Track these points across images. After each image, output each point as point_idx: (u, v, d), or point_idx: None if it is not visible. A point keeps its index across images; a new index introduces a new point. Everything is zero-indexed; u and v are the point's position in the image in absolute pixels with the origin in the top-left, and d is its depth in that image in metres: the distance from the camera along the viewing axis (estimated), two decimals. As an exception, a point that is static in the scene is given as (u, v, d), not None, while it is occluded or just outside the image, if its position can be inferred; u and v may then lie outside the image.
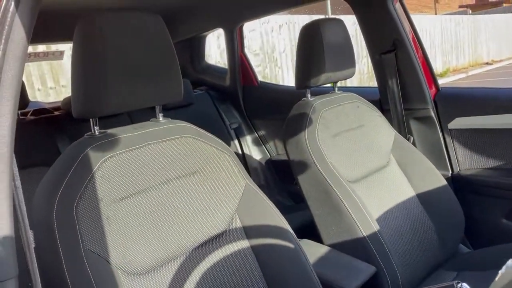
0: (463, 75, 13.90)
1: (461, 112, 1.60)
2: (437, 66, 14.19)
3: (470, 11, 22.82)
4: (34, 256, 0.64)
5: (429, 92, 1.65)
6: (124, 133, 0.93)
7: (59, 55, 2.06)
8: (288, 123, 1.38)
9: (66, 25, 1.62)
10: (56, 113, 1.92)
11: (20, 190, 0.63)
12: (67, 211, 0.78)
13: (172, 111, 2.07)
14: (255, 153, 2.21)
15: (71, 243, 0.77)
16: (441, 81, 12.66)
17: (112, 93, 0.85)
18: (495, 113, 1.50)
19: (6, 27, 0.62)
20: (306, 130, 1.32)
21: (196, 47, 2.34)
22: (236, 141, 2.19)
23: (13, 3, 0.64)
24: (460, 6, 26.86)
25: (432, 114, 1.64)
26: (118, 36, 0.84)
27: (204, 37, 2.31)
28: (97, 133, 0.91)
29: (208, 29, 2.16)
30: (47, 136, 1.68)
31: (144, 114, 1.19)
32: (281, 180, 2.15)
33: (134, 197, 0.88)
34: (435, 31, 14.20)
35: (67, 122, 1.74)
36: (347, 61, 1.47)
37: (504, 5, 25.41)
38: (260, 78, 2.19)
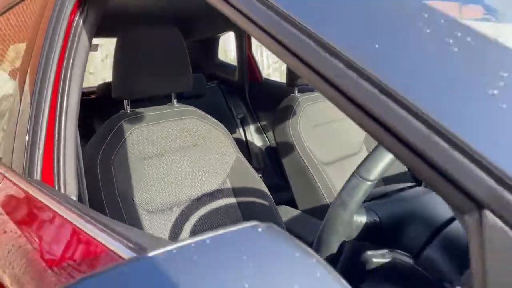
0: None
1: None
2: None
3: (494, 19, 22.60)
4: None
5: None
6: (148, 112, 1.28)
7: (95, 48, 2.43)
8: (277, 114, 1.72)
9: (103, 24, 1.98)
10: (92, 96, 2.29)
11: (80, 151, 0.97)
12: (107, 163, 1.13)
13: (189, 100, 2.41)
14: (257, 141, 2.54)
15: (109, 186, 1.12)
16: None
17: (141, 82, 1.19)
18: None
19: (76, 38, 0.97)
20: (290, 120, 1.65)
21: (210, 46, 2.69)
22: (241, 129, 2.53)
23: (81, 21, 0.99)
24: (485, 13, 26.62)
25: None
26: (147, 45, 1.19)
27: (218, 38, 2.65)
28: (128, 111, 1.26)
29: (221, 32, 2.50)
30: (85, 115, 2.04)
31: (163, 101, 1.54)
32: (278, 165, 2.48)
33: (153, 158, 1.22)
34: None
35: (100, 104, 2.11)
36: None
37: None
38: (277, 73, 2.51)
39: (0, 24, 1.37)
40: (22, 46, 1.16)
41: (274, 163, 2.54)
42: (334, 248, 0.69)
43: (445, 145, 0.32)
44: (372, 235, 0.74)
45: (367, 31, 0.41)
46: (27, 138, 0.89)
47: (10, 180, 0.91)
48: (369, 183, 0.65)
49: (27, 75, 0.97)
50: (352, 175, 0.67)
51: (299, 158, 1.60)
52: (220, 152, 1.36)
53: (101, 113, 2.01)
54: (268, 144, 2.57)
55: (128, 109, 1.26)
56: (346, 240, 0.71)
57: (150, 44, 1.23)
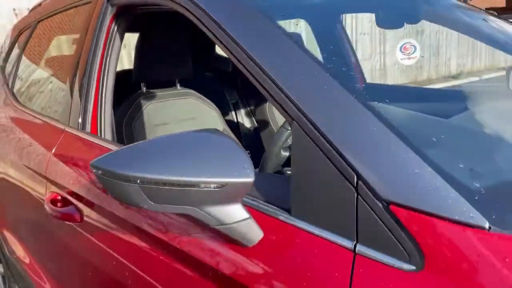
0: (476, 78, 14.35)
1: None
2: (451, 68, 14.64)
3: (497, 15, 22.86)
4: None
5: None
6: (158, 92, 1.75)
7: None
8: (258, 98, 2.18)
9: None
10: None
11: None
12: (130, 126, 1.61)
13: (191, 86, 2.89)
14: (246, 122, 3.01)
15: (131, 142, 1.60)
16: (455, 82, 13.17)
17: (155, 70, 1.67)
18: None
19: (113, 39, 1.43)
20: (267, 103, 2.12)
21: (209, 42, 3.16)
22: (233, 112, 2.99)
23: (115, 28, 1.45)
24: (487, 9, 26.88)
25: None
26: (159, 42, 1.67)
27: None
28: (144, 91, 1.73)
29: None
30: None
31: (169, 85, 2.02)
32: (262, 143, 2.96)
33: (161, 126, 1.70)
34: (452, 33, 14.61)
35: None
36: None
37: (530, 11, 25.26)
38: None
39: (51, 22, 1.85)
40: (69, 41, 1.64)
41: (260, 142, 3.02)
42: (270, 169, 1.16)
43: (282, 96, 0.78)
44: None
45: (263, 47, 0.88)
46: (81, 104, 1.37)
47: (70, 133, 1.39)
48: (289, 131, 1.12)
49: (80, 63, 1.44)
50: (280, 127, 1.14)
51: (273, 132, 2.07)
52: (210, 124, 1.83)
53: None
54: (256, 126, 3.04)
55: (144, 89, 1.73)
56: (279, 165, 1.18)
57: (162, 41, 1.70)
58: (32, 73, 2.05)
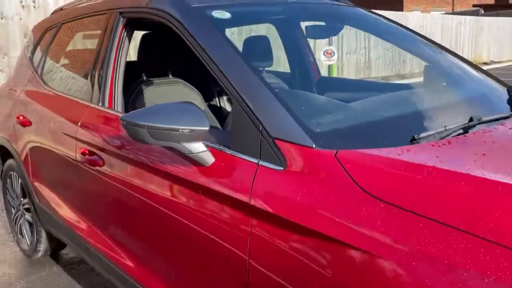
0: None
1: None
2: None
3: (483, 11, 23.53)
4: None
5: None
6: (155, 80, 2.33)
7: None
8: None
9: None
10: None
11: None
12: (134, 104, 2.19)
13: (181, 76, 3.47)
14: (227, 106, 3.60)
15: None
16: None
17: (154, 63, 2.25)
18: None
19: (123, 42, 2.01)
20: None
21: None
22: (216, 98, 3.57)
23: (125, 34, 2.03)
24: (474, 5, 27.51)
25: None
26: (157, 42, 2.25)
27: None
28: (144, 79, 2.31)
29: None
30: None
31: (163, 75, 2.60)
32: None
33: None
34: (435, 28, 15.23)
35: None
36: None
37: (516, 8, 25.89)
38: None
39: (74, 24, 2.43)
40: (90, 40, 2.22)
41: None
42: (227, 127, 1.77)
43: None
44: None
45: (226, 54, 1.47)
46: (100, 87, 1.95)
47: (92, 107, 1.97)
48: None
49: (99, 57, 2.02)
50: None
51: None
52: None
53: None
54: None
55: (144, 78, 2.31)
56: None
57: (157, 43, 2.28)
58: (58, 63, 2.62)
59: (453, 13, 24.82)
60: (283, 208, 1.12)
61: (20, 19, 6.80)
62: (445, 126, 1.29)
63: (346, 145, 1.16)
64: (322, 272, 1.00)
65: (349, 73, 11.52)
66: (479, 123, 1.35)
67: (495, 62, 18.24)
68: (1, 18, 6.62)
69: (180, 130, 1.27)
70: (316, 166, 1.13)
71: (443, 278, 0.83)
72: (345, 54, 11.69)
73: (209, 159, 1.33)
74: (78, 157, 1.91)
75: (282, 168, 1.18)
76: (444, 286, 0.82)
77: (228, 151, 1.33)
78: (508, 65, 17.73)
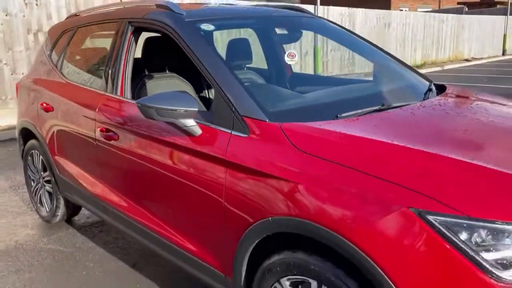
0: (438, 68, 15.70)
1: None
2: (417, 59, 15.99)
3: (467, 9, 24.25)
4: None
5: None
6: (155, 74, 2.89)
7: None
8: None
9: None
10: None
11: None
12: (139, 93, 2.75)
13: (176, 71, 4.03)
14: (212, 96, 4.17)
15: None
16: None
17: (154, 61, 2.82)
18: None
19: (131, 45, 2.57)
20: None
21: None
22: (206, 91, 4.14)
23: (133, 38, 2.59)
24: (458, 3, 28.27)
25: None
26: (158, 44, 2.82)
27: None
28: (147, 74, 2.87)
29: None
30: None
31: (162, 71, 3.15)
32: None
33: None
34: (418, 26, 15.88)
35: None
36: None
37: (498, 6, 26.67)
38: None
39: (89, 29, 2.98)
40: (104, 42, 2.78)
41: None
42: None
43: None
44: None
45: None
46: (114, 80, 2.51)
47: (107, 95, 2.53)
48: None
49: (112, 56, 2.57)
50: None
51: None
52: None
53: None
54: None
55: (147, 73, 2.87)
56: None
57: (157, 45, 2.84)
58: (75, 60, 3.18)
59: (438, 10, 25.50)
60: (246, 160, 1.70)
61: (24, 16, 7.29)
62: (360, 109, 1.88)
63: (288, 120, 1.75)
64: (269, 196, 1.59)
65: (334, 69, 12.12)
66: (388, 108, 1.95)
67: (476, 59, 18.97)
68: (6, 15, 7.10)
69: (177, 110, 1.85)
70: (268, 133, 1.72)
71: (337, 197, 1.42)
72: (330, 51, 12.28)
73: (198, 131, 1.91)
74: (97, 133, 2.48)
75: (246, 135, 1.76)
76: (337, 202, 1.41)
77: (211, 125, 1.90)
78: (488, 62, 18.48)
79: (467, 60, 18.42)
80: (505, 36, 21.10)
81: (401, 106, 2.00)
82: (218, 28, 2.47)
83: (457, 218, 1.24)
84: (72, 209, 3.35)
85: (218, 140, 1.86)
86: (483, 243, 1.22)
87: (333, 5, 13.25)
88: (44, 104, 3.08)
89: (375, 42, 11.37)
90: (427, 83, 2.51)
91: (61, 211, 3.30)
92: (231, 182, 1.75)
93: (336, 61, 12.69)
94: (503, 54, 21.23)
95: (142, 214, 2.31)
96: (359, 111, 1.88)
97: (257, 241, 1.68)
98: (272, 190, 1.59)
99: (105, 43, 2.81)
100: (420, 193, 1.30)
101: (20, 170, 4.87)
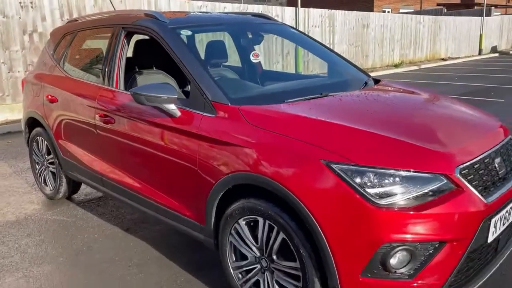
0: (415, 67, 16.45)
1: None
2: (395, 58, 16.72)
3: (445, 10, 25.13)
4: None
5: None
6: (144, 71, 3.45)
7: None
8: None
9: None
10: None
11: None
12: (131, 85, 3.31)
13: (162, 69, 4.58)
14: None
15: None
16: (396, 70, 15.07)
17: (142, 60, 3.38)
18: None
19: (124, 46, 3.13)
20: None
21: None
22: (186, 83, 4.70)
23: (125, 41, 3.15)
24: (438, 4, 29.19)
25: None
26: (147, 45, 3.39)
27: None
28: (137, 70, 3.43)
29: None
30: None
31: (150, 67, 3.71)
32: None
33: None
34: (395, 27, 16.59)
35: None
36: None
37: (475, 7, 27.61)
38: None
39: (88, 32, 3.54)
40: (101, 44, 3.34)
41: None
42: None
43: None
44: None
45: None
46: (110, 75, 3.07)
47: (105, 87, 3.09)
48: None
49: (109, 55, 3.13)
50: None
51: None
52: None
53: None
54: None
55: (137, 69, 3.42)
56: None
57: (146, 46, 3.40)
58: (76, 58, 3.73)
59: (419, 12, 26.32)
60: (213, 133, 2.28)
61: (19, 18, 7.76)
62: (304, 97, 2.47)
63: (245, 103, 2.33)
64: (228, 159, 2.17)
65: (314, 67, 12.73)
66: (326, 96, 2.54)
67: (452, 58, 19.77)
68: (3, 17, 7.57)
69: (162, 97, 2.42)
70: (229, 113, 2.29)
71: (275, 155, 2.00)
72: (311, 50, 12.89)
73: (177, 113, 2.48)
74: (97, 118, 3.04)
75: (214, 115, 2.34)
76: (275, 159, 1.99)
77: (188, 109, 2.47)
78: (464, 61, 19.29)
79: (443, 59, 19.21)
80: (481, 36, 21.98)
81: (334, 94, 2.60)
82: (195, 32, 3.05)
83: (350, 165, 1.83)
84: (73, 187, 3.90)
85: (193, 120, 2.43)
86: (367, 182, 1.81)
87: (318, 7, 13.89)
88: (49, 96, 3.62)
89: (354, 43, 12.58)
90: (366, 77, 3.12)
91: (63, 188, 3.85)
92: (202, 151, 2.33)
93: (317, 60, 13.30)
94: (480, 53, 22.11)
95: (134, 182, 2.88)
96: (302, 98, 2.47)
97: (221, 194, 2.26)
98: (231, 154, 2.18)
99: (101, 44, 3.36)
100: (328, 150, 1.90)
101: (21, 158, 5.42)
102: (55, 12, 8.19)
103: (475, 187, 1.90)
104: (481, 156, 2.02)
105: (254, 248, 2.19)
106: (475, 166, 1.97)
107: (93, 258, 2.95)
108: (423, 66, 16.79)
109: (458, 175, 1.86)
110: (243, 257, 2.27)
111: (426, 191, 1.81)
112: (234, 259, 2.32)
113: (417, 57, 18.05)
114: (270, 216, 2.05)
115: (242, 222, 2.21)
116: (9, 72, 7.73)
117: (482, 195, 1.90)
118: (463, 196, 1.85)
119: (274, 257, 2.10)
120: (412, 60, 17.75)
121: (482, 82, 11.83)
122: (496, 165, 2.09)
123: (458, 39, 20.83)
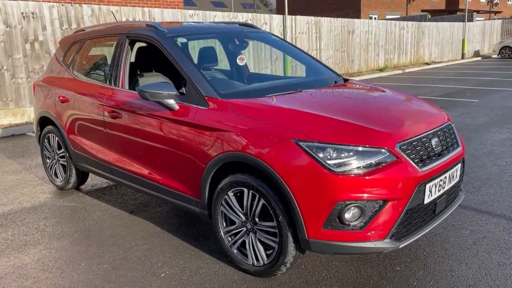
0: (400, 71, 17.11)
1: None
2: (379, 63, 17.36)
3: (430, 16, 25.95)
4: None
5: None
6: (145, 73, 3.95)
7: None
8: None
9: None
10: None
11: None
12: (134, 86, 3.81)
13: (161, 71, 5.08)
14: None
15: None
16: (381, 74, 15.66)
17: (143, 64, 3.88)
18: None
19: (128, 52, 3.64)
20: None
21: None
22: (182, 84, 5.21)
23: (129, 48, 3.66)
24: (423, 10, 30.07)
25: None
26: (148, 50, 3.89)
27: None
28: (139, 73, 3.92)
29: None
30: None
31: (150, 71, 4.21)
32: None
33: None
34: (379, 33, 17.25)
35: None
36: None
37: (458, 13, 28.47)
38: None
39: (95, 40, 4.05)
40: (107, 50, 3.85)
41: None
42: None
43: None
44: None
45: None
46: (116, 77, 3.56)
47: (112, 88, 3.58)
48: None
49: (114, 61, 3.63)
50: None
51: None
52: (168, 88, 4.06)
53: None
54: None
55: (139, 72, 3.92)
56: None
57: (147, 52, 3.90)
58: (85, 63, 4.22)
59: (405, 18, 27.10)
60: (206, 122, 2.78)
61: (22, 27, 8.23)
62: (281, 92, 2.99)
63: (232, 98, 2.84)
64: (218, 142, 2.67)
65: (302, 71, 13.30)
66: (299, 92, 3.06)
67: (435, 62, 20.50)
68: (7, 27, 8.04)
69: (163, 93, 2.92)
70: (219, 105, 2.80)
71: (255, 137, 2.51)
72: (298, 55, 13.47)
73: (176, 107, 2.98)
74: (106, 114, 3.53)
75: (206, 108, 2.85)
76: (255, 140, 2.50)
77: (185, 103, 2.98)
78: (447, 65, 20.01)
79: (427, 63, 19.92)
80: (463, 41, 22.76)
81: (306, 90, 3.12)
82: (190, 40, 3.57)
83: (314, 142, 2.35)
84: (81, 178, 4.37)
85: (189, 112, 2.93)
86: (327, 155, 2.33)
87: (307, 14, 14.48)
88: (61, 97, 4.11)
89: (340, 48, 13.32)
90: (337, 77, 3.65)
91: (73, 179, 4.33)
92: (197, 137, 2.83)
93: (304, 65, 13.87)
94: (463, 57, 22.89)
95: (140, 168, 3.37)
96: (279, 93, 2.99)
97: (213, 171, 2.76)
98: (221, 138, 2.68)
99: (106, 51, 3.86)
100: (297, 131, 2.41)
101: (28, 157, 5.88)
102: (55, 22, 8.67)
103: (412, 159, 2.42)
104: (419, 136, 2.55)
105: (240, 214, 2.69)
106: (413, 143, 2.50)
107: (104, 234, 3.43)
108: (407, 70, 17.46)
109: (398, 149, 2.39)
110: (232, 222, 2.77)
111: (372, 161, 2.33)
112: (224, 225, 2.82)
113: (401, 61, 18.72)
114: (253, 187, 2.56)
115: (230, 193, 2.71)
116: (12, 79, 8.18)
117: (418, 165, 2.43)
118: (401, 166, 2.37)
119: (257, 219, 2.60)
120: (397, 65, 18.41)
121: (460, 84, 12.47)
122: (433, 143, 2.62)
123: (441, 44, 21.57)
